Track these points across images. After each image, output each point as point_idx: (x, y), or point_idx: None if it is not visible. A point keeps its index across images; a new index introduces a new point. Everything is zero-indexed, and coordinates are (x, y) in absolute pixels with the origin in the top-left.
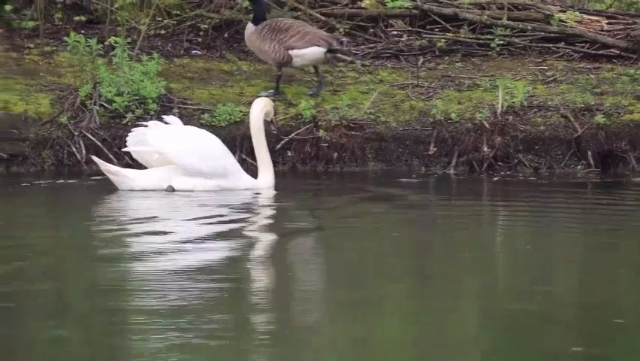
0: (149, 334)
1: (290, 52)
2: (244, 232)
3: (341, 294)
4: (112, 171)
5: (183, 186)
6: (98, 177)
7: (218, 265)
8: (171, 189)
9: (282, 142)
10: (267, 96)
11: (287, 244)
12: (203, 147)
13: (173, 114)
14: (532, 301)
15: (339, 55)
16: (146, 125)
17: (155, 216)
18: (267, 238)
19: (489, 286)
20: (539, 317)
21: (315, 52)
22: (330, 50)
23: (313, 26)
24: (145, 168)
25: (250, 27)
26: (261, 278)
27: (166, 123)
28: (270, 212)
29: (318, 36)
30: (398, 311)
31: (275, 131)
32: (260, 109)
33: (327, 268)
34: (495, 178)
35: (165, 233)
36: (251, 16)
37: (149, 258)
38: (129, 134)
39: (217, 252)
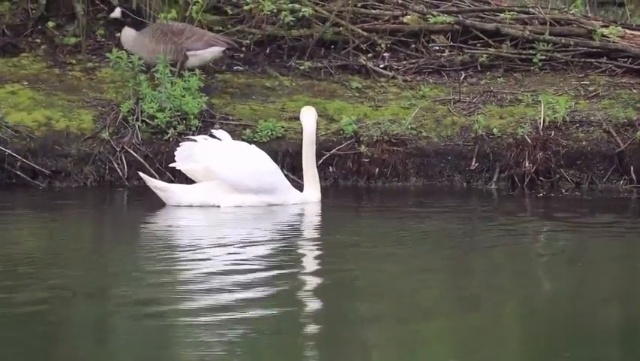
0: (201, 348)
1: (187, 52)
2: (292, 249)
3: (389, 310)
4: (159, 186)
5: (230, 202)
6: (141, 194)
7: (267, 282)
8: (217, 206)
9: (324, 157)
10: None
11: (336, 260)
12: (251, 162)
13: (216, 130)
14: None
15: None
16: (194, 140)
17: (203, 233)
18: (315, 255)
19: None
20: (613, 340)
21: (214, 51)
22: (228, 49)
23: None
24: (193, 181)
25: (130, 31)
26: (311, 296)
27: (215, 138)
28: (316, 227)
29: (215, 37)
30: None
31: None
32: (314, 118)
33: (378, 287)
34: (539, 194)
35: (212, 251)
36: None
37: (198, 275)
38: (177, 149)
39: (265, 269)
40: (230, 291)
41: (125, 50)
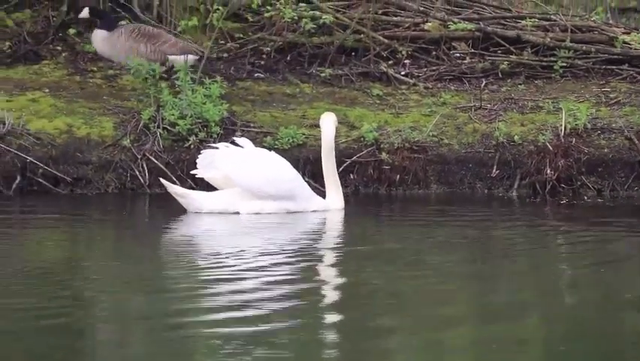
0: (222, 359)
1: (168, 57)
2: (313, 258)
3: (414, 318)
4: (179, 193)
5: (251, 209)
6: (162, 201)
7: (288, 291)
8: (237, 213)
9: (345, 165)
10: None
11: (358, 268)
12: (272, 170)
13: (237, 137)
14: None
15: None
16: (216, 148)
17: (224, 241)
18: (337, 263)
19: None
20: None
21: (189, 59)
22: (201, 58)
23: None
24: (214, 188)
25: (101, 32)
26: (333, 305)
27: (237, 145)
28: (338, 235)
29: (188, 44)
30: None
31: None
32: (333, 125)
33: (401, 295)
34: (561, 202)
35: (233, 260)
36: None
37: (219, 284)
38: (199, 156)
39: (287, 278)
40: (250, 300)
41: (96, 52)
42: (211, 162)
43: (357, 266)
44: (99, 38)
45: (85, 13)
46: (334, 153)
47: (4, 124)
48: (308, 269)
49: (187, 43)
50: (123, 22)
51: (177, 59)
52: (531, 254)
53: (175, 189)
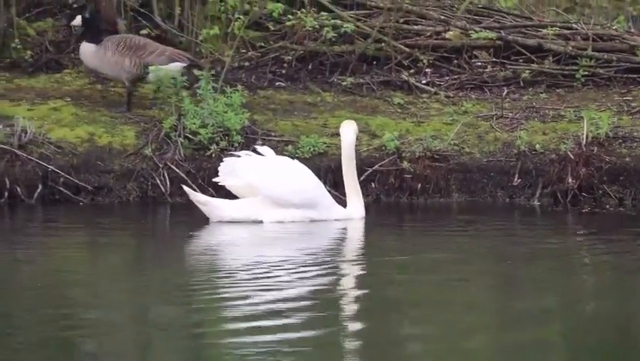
0: None
1: (151, 68)
2: (335, 267)
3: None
4: (202, 201)
5: (274, 217)
6: (183, 210)
7: (310, 300)
8: (260, 221)
9: (366, 173)
10: (120, 112)
11: (380, 278)
12: (294, 178)
13: (258, 145)
14: None
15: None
16: (237, 156)
17: (246, 250)
18: (359, 273)
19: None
20: None
21: (176, 67)
22: (189, 66)
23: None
24: (234, 197)
25: (89, 46)
26: (356, 314)
27: (258, 154)
28: (360, 244)
29: (176, 52)
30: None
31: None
32: (353, 133)
33: (423, 303)
34: (583, 210)
35: (255, 269)
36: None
37: (240, 294)
38: (221, 164)
39: (308, 287)
40: (273, 310)
41: (86, 66)
42: (233, 170)
43: (379, 275)
44: (87, 52)
45: (77, 20)
46: (355, 161)
47: (26, 133)
48: (330, 278)
49: (174, 51)
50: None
51: (162, 69)
52: (553, 263)
53: (197, 197)
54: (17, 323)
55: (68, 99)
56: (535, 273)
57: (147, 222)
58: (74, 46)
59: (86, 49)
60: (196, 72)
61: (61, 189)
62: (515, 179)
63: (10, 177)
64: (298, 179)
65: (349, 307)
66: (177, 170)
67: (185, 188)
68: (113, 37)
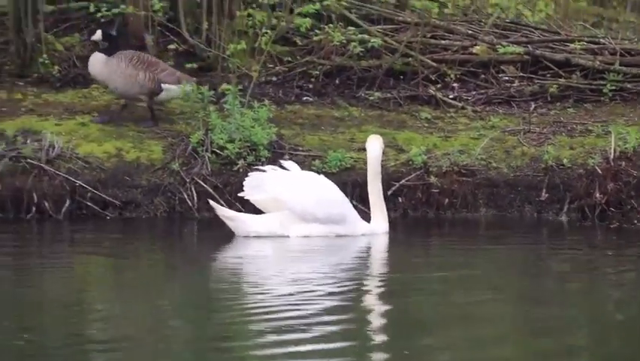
0: None
1: (162, 85)
2: (360, 283)
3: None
4: (228, 216)
5: (299, 232)
6: (210, 225)
7: (336, 316)
8: (285, 236)
9: (393, 188)
10: (147, 127)
11: (405, 292)
12: (320, 193)
13: (285, 160)
14: None
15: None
16: (263, 170)
17: (273, 266)
18: (383, 288)
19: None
20: None
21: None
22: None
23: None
24: (261, 212)
25: (100, 56)
26: (381, 328)
27: (284, 168)
28: (385, 259)
29: (184, 75)
30: None
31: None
32: (380, 148)
33: (449, 317)
34: (612, 225)
35: (282, 283)
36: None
37: (267, 309)
38: (246, 178)
39: (334, 303)
40: (298, 325)
41: (92, 76)
42: (259, 184)
43: (403, 291)
44: (98, 62)
45: (98, 35)
46: (380, 176)
47: (54, 148)
48: (355, 294)
49: (183, 74)
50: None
51: (172, 88)
52: (581, 278)
53: (224, 212)
54: (46, 339)
55: (96, 114)
56: (563, 288)
57: (175, 237)
58: None
59: (97, 59)
60: (224, 87)
61: (88, 204)
62: (543, 194)
63: (38, 192)
64: (324, 194)
65: (373, 322)
66: (204, 185)
67: (212, 203)
68: (126, 52)
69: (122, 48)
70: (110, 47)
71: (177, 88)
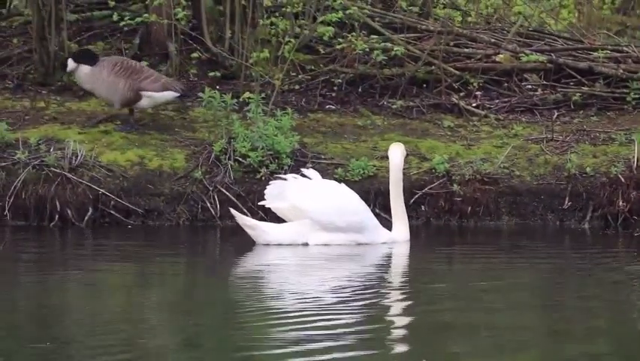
0: None
1: (143, 93)
2: (381, 292)
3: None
4: (248, 224)
5: (319, 240)
6: (233, 233)
7: (357, 324)
8: (306, 245)
9: (416, 196)
10: (126, 131)
11: (425, 303)
12: (340, 202)
13: (307, 169)
14: None
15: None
16: (284, 179)
17: (294, 275)
18: (405, 296)
19: None
20: None
21: (168, 96)
22: (182, 96)
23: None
24: (282, 220)
25: (85, 68)
26: (403, 337)
27: (305, 177)
28: (406, 268)
29: (170, 81)
30: None
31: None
32: (401, 155)
33: (471, 327)
34: (635, 233)
35: (303, 292)
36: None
37: (288, 319)
38: (267, 187)
39: (355, 312)
40: (320, 335)
41: (84, 87)
42: (279, 193)
43: (425, 299)
44: (83, 73)
45: (71, 65)
46: (402, 184)
47: (77, 156)
48: (377, 302)
49: (168, 80)
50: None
51: (157, 97)
52: (605, 286)
53: (244, 220)
54: (69, 348)
55: (119, 122)
56: (586, 297)
57: (198, 245)
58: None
59: (82, 70)
60: (247, 95)
61: (111, 212)
62: (566, 202)
63: (61, 200)
64: (344, 202)
65: (395, 331)
66: (227, 193)
67: (233, 211)
68: (110, 58)
69: (99, 57)
70: (90, 57)
71: (162, 95)
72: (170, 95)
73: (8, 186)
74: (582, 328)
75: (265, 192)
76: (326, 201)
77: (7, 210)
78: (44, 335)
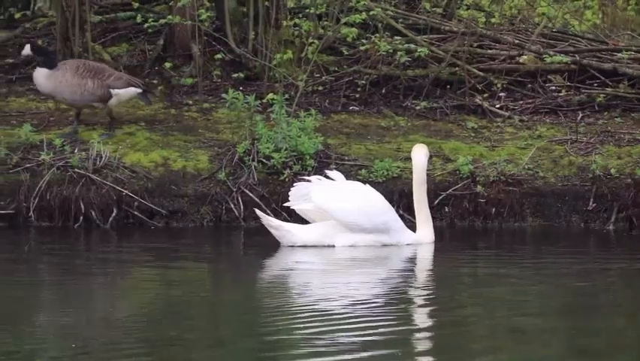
0: None
1: (110, 90)
2: (405, 294)
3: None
4: (274, 225)
5: (344, 241)
6: (257, 234)
7: (382, 326)
8: (332, 246)
9: (440, 197)
10: (107, 137)
11: (449, 306)
12: (365, 203)
13: (331, 170)
14: None
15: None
16: (308, 180)
17: (319, 276)
18: (429, 299)
19: None
20: None
21: (133, 92)
22: (144, 92)
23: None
24: (306, 221)
25: (42, 71)
26: (428, 340)
27: (329, 178)
28: (431, 270)
29: (132, 78)
30: None
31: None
32: (425, 157)
33: (494, 331)
34: None
35: (328, 294)
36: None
37: (313, 321)
38: (292, 188)
39: (380, 314)
40: (346, 339)
41: (41, 90)
42: (304, 194)
43: (450, 302)
44: (41, 76)
45: (27, 50)
46: (426, 185)
47: (101, 157)
48: (402, 305)
49: (130, 77)
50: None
51: (121, 93)
52: (631, 291)
53: (269, 221)
54: (93, 350)
55: (143, 123)
56: (612, 302)
57: (221, 246)
58: (149, 70)
59: (39, 73)
60: (270, 96)
61: (135, 213)
62: (590, 203)
63: (85, 202)
64: (369, 203)
65: (418, 335)
66: (251, 194)
67: (258, 212)
68: (70, 61)
69: (57, 59)
70: (50, 60)
71: (127, 91)
72: (133, 91)
73: (33, 187)
74: (609, 335)
75: (289, 193)
76: (351, 202)
77: (32, 211)
78: (67, 335)
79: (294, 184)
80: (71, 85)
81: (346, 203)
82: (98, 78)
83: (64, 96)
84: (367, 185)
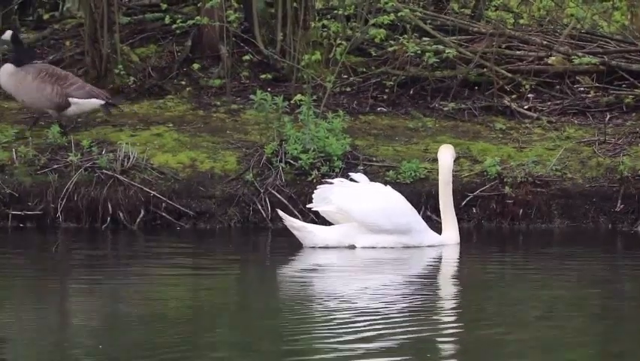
0: None
1: (69, 99)
2: (429, 295)
3: None
4: (296, 226)
5: (366, 243)
6: (284, 235)
7: (405, 329)
8: (353, 247)
9: (467, 198)
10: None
11: (474, 307)
12: (386, 204)
13: (358, 171)
14: None
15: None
16: (331, 183)
17: (342, 278)
18: (452, 302)
19: None
20: None
21: (94, 103)
22: (107, 104)
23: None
24: (330, 223)
25: (9, 66)
26: (450, 344)
27: (352, 180)
28: (456, 273)
29: (95, 89)
30: None
31: None
32: (450, 157)
33: (519, 334)
34: None
35: (351, 296)
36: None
37: (337, 324)
38: (315, 191)
39: (403, 317)
40: (367, 337)
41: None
42: (327, 196)
43: (475, 306)
44: (6, 72)
45: (7, 35)
46: (451, 186)
47: (129, 158)
48: (426, 308)
49: (93, 88)
50: (36, 62)
51: (81, 102)
52: None
53: (292, 222)
54: (121, 352)
55: (171, 125)
56: (635, 302)
57: (249, 248)
58: (177, 72)
59: (5, 69)
60: (298, 98)
61: (163, 214)
62: (618, 205)
63: (113, 203)
64: (390, 204)
65: (444, 339)
66: (278, 195)
67: (281, 213)
68: (35, 65)
69: (32, 61)
70: (21, 58)
71: (87, 102)
72: (95, 102)
73: (61, 188)
74: (631, 337)
75: (313, 195)
76: (372, 203)
77: (59, 213)
78: (95, 336)
79: (318, 187)
80: (31, 88)
81: (366, 204)
82: (59, 85)
83: (23, 98)
84: (388, 186)
